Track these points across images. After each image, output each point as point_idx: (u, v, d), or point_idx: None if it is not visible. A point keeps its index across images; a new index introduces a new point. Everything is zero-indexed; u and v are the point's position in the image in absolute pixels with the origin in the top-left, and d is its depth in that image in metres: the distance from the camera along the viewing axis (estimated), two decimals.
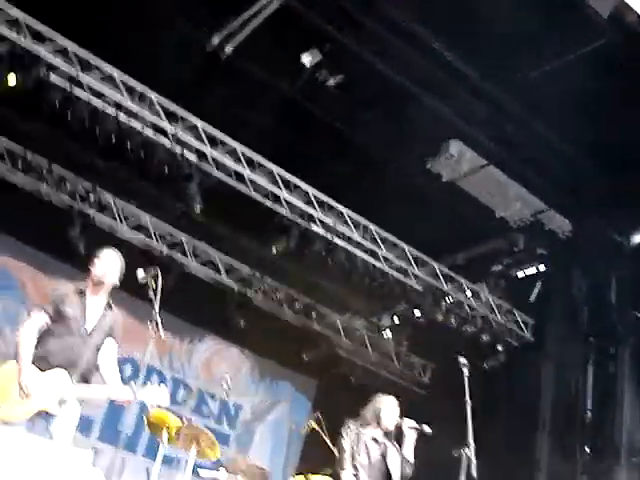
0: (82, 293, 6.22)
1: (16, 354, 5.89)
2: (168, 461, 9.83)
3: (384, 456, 7.56)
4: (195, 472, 9.01)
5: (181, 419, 8.79)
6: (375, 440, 7.60)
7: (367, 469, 7.45)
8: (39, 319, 6.05)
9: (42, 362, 5.91)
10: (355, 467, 7.40)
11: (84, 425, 13.18)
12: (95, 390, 6.15)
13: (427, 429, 7.51)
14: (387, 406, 7.75)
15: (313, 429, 9.43)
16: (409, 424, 7.58)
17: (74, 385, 5.93)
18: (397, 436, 7.66)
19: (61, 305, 6.08)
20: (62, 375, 5.90)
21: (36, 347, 5.96)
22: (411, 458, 7.59)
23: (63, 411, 5.91)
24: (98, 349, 6.14)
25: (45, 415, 5.86)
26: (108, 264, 6.29)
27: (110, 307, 6.35)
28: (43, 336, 6.02)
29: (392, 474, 7.49)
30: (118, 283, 6.37)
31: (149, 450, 13.59)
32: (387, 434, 7.69)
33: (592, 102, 10.91)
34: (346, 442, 7.54)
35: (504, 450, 12.67)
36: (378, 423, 7.68)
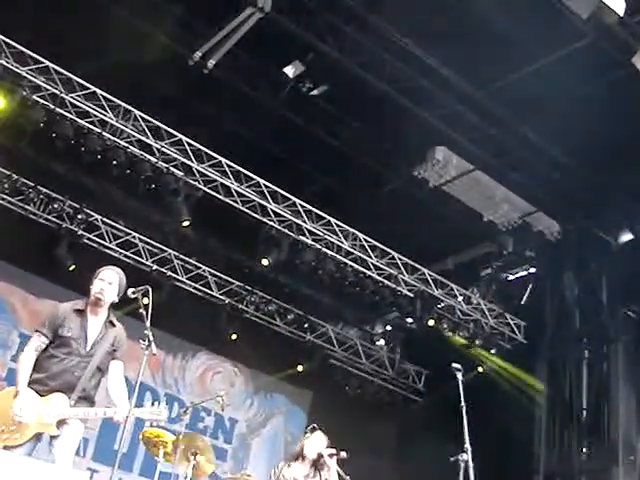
0: (82, 312, 6.21)
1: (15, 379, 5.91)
2: (165, 477, 9.75)
3: None
4: None
5: (176, 436, 8.74)
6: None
7: None
8: (37, 343, 6.03)
9: (42, 385, 5.90)
10: None
11: (80, 445, 13.13)
12: (93, 412, 6.13)
13: (343, 454, 7.96)
14: (311, 441, 8.16)
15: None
16: (327, 452, 7.97)
17: (73, 407, 5.91)
18: (321, 464, 8.00)
19: (60, 328, 6.05)
20: (60, 398, 5.87)
21: (37, 370, 5.95)
22: None
23: (63, 433, 5.88)
24: (99, 368, 6.11)
25: (45, 437, 5.83)
26: (105, 284, 6.27)
27: (112, 324, 6.32)
28: (44, 359, 6.00)
29: None
30: (117, 300, 6.36)
31: (145, 468, 13.53)
32: (314, 464, 8.06)
33: (577, 103, 10.95)
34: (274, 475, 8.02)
35: (501, 453, 12.67)
36: (303, 458, 8.06)
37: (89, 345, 6.11)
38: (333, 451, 7.93)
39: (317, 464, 8.01)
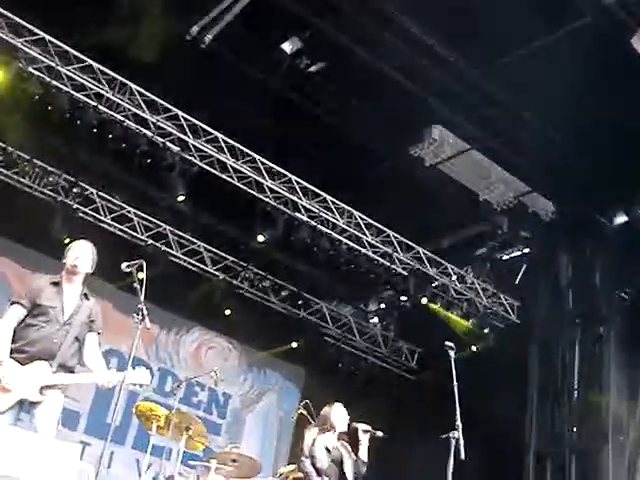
0: (57, 284, 6.28)
1: None
2: (158, 451, 9.81)
3: (340, 460, 8.11)
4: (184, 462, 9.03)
5: (169, 410, 8.79)
6: (328, 449, 8.10)
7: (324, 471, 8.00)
8: (16, 313, 6.10)
9: (22, 353, 5.95)
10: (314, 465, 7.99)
11: (71, 419, 13.19)
12: (77, 377, 6.22)
13: (379, 433, 8.13)
14: (337, 412, 8.29)
15: (302, 415, 9.46)
16: (363, 428, 8.10)
17: (55, 374, 5.97)
18: (353, 438, 8.10)
19: (38, 298, 6.14)
20: (42, 366, 5.93)
21: (16, 340, 6.01)
22: (365, 458, 8.17)
23: (45, 400, 5.93)
24: (77, 338, 6.18)
25: (27, 406, 5.88)
26: (80, 254, 6.35)
27: (87, 297, 6.39)
28: (22, 329, 6.07)
29: (347, 475, 8.05)
30: (91, 271, 6.43)
31: (138, 441, 13.61)
32: (340, 436, 8.25)
33: (574, 84, 10.92)
34: (306, 444, 8.10)
35: (492, 432, 12.74)
36: (330, 428, 8.19)
37: (67, 314, 6.19)
38: (369, 428, 8.09)
39: (343, 437, 8.20)
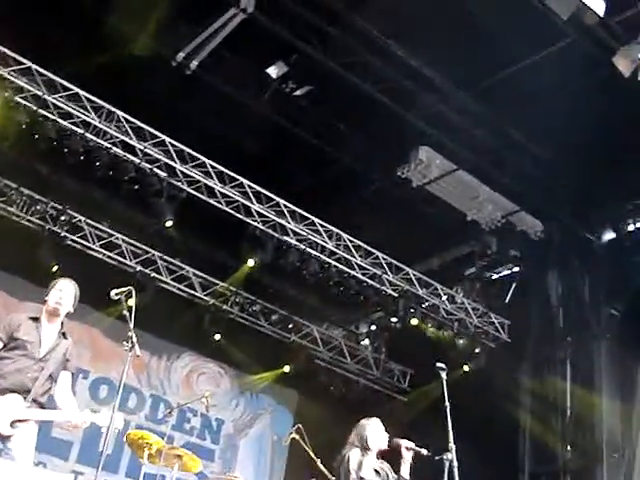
0: (37, 320, 6.25)
1: None
2: (150, 479, 9.75)
3: None
4: None
5: (162, 437, 8.74)
6: (377, 470, 7.72)
7: None
8: None
9: None
10: None
11: (63, 448, 13.09)
12: (50, 414, 6.16)
13: (424, 451, 7.62)
14: (375, 430, 7.85)
15: (294, 439, 9.41)
16: (407, 445, 7.70)
17: (27, 409, 5.92)
18: (395, 456, 7.80)
19: (16, 332, 6.10)
20: (15, 399, 5.88)
21: None
22: (408, 476, 7.69)
23: (18, 432, 5.88)
24: (51, 376, 6.13)
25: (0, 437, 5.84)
26: (63, 294, 6.31)
27: (65, 336, 6.35)
28: None
29: None
30: (72, 311, 6.39)
31: (131, 470, 13.50)
32: (381, 453, 7.83)
33: (559, 102, 11.02)
34: (352, 468, 7.66)
35: (485, 453, 12.70)
36: (373, 448, 7.62)
37: (43, 350, 6.14)
38: (413, 445, 7.59)
39: (384, 454, 7.69)
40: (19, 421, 5.90)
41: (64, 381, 6.31)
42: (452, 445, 6.27)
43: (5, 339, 6.09)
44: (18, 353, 6.04)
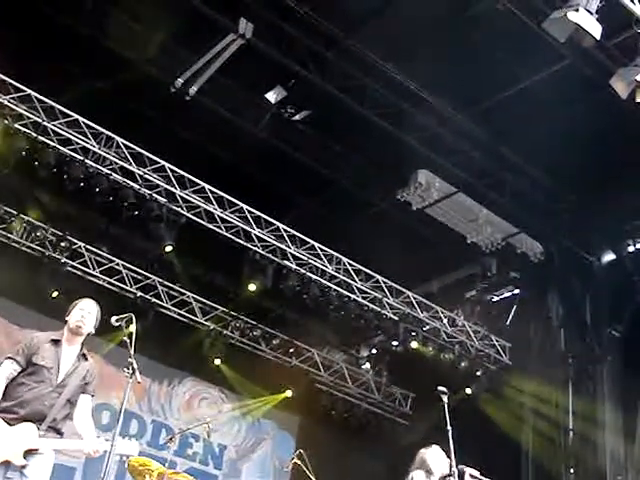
0: (57, 342, 6.15)
1: None
2: None
3: None
4: None
5: (164, 463, 8.69)
6: None
7: None
8: (9, 370, 5.95)
9: (11, 414, 5.82)
10: None
11: (66, 475, 13.01)
12: (64, 443, 6.07)
13: None
14: (435, 455, 7.81)
15: (296, 464, 9.38)
16: (472, 473, 7.65)
17: (41, 438, 5.84)
18: None
19: (34, 356, 5.98)
20: (29, 429, 5.80)
21: (5, 399, 5.86)
22: None
23: (33, 462, 5.81)
24: (70, 400, 6.05)
25: (14, 466, 5.76)
26: (85, 312, 6.22)
27: (85, 357, 6.25)
28: (14, 387, 5.91)
29: None
30: (94, 331, 6.31)
31: None
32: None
33: (558, 124, 11.07)
34: None
35: (488, 475, 12.62)
36: (432, 473, 7.71)
37: (61, 376, 6.04)
38: (477, 474, 7.56)
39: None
40: (33, 450, 5.84)
41: (83, 405, 6.20)
42: (455, 470, 6.24)
43: (23, 364, 5.98)
44: (35, 379, 5.93)
